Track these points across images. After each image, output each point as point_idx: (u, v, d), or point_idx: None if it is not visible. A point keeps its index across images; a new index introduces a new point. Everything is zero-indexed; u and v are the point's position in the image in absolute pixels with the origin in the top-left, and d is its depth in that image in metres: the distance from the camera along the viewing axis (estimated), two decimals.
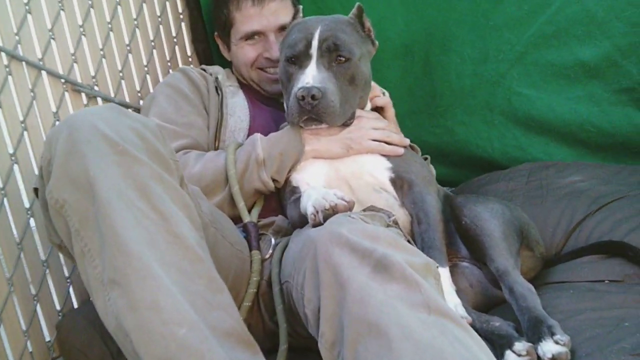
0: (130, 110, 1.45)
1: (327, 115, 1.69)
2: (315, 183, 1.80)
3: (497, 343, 1.43)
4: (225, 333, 1.22)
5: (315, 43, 1.74)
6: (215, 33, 2.29)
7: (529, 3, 2.33)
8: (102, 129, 1.29)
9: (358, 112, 1.86)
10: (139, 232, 1.22)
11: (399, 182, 1.78)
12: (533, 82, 2.40)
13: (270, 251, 1.69)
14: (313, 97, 1.66)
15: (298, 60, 1.76)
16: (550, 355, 1.34)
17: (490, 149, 2.50)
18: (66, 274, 1.87)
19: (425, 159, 2.10)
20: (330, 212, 1.42)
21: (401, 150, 1.84)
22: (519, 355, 1.38)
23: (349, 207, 1.45)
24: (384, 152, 1.82)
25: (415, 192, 1.75)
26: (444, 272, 1.59)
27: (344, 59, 1.75)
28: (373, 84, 1.95)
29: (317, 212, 1.44)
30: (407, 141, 1.92)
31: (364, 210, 1.54)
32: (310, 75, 1.70)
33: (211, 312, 1.23)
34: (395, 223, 1.52)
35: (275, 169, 1.79)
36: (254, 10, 2.11)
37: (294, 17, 1.94)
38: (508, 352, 1.38)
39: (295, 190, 1.80)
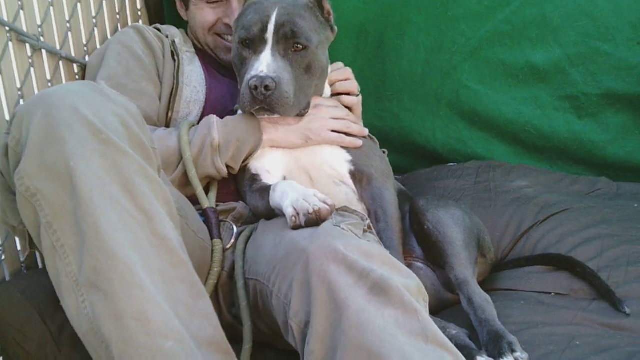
0: (110, 91, 1.32)
1: (281, 106, 1.63)
2: (275, 172, 1.76)
3: None
4: (207, 342, 1.18)
5: (271, 27, 1.65)
6: None
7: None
8: (84, 113, 1.18)
9: (317, 100, 1.82)
10: (123, 234, 1.14)
11: (358, 175, 1.77)
12: (482, 78, 2.45)
13: (233, 240, 1.64)
14: (266, 88, 1.59)
15: (252, 44, 1.67)
16: None
17: (433, 139, 2.55)
18: None
19: (383, 152, 2.09)
20: (313, 217, 1.38)
21: (360, 142, 1.82)
22: None
23: (331, 212, 1.42)
24: (343, 144, 1.79)
25: (374, 187, 1.74)
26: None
27: (301, 46, 1.67)
28: (351, 80, 1.91)
29: (298, 214, 1.40)
30: (366, 131, 1.89)
31: (338, 210, 1.51)
32: (265, 63, 1.62)
33: (193, 320, 1.18)
34: (370, 227, 1.51)
35: (231, 155, 1.71)
36: None
37: None
38: None
39: (255, 178, 1.75)
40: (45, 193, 1.15)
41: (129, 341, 1.09)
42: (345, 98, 1.91)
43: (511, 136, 2.46)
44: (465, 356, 1.41)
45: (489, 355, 1.45)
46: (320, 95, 1.85)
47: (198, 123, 1.85)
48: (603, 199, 2.10)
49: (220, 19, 2.02)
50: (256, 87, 1.58)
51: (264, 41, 1.66)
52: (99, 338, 1.12)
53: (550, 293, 1.71)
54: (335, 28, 1.83)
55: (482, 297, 1.59)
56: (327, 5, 1.79)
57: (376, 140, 2.03)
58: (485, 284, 1.81)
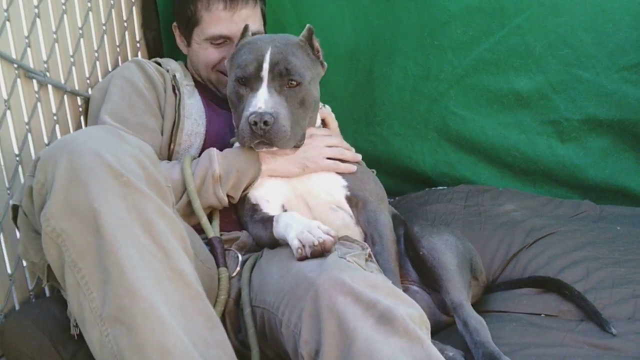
0: (124, 132, 1.39)
1: (279, 139, 1.70)
2: (274, 201, 1.83)
3: None
4: None
5: (266, 66, 1.73)
6: (175, 24, 2.19)
7: (474, 29, 2.46)
8: (106, 158, 1.25)
9: (311, 130, 1.90)
10: (144, 271, 1.21)
11: (354, 200, 1.84)
12: (468, 104, 2.54)
13: (238, 268, 1.70)
14: (265, 123, 1.66)
15: (249, 82, 1.75)
16: None
17: (422, 162, 2.63)
18: (9, 271, 1.77)
19: (372, 171, 2.16)
20: (318, 249, 1.46)
21: (354, 168, 1.90)
22: None
23: (335, 242, 1.49)
24: (338, 170, 1.87)
25: (369, 211, 1.82)
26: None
27: (295, 83, 1.75)
28: None
29: (304, 246, 1.48)
30: (359, 157, 1.98)
31: (340, 239, 1.58)
32: (262, 100, 1.70)
33: (209, 350, 1.25)
34: (370, 256, 1.59)
35: (231, 185, 1.78)
36: (225, 15, 2.05)
37: (243, 35, 1.90)
38: None
39: (255, 208, 1.82)
40: (70, 233, 1.22)
41: None
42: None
43: (497, 159, 2.56)
44: None
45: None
46: (313, 126, 1.93)
47: (199, 154, 1.92)
48: (587, 221, 2.19)
49: (223, 58, 2.08)
50: (255, 123, 1.66)
51: (259, 79, 1.73)
52: None
53: (540, 314, 1.79)
54: (325, 64, 1.92)
55: (476, 320, 1.67)
56: (317, 44, 1.88)
57: (362, 162, 2.11)
58: (478, 305, 1.89)
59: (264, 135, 1.68)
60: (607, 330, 1.65)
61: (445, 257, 1.78)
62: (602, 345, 1.62)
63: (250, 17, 2.07)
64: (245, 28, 1.91)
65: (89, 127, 1.56)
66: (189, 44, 2.15)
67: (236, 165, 1.78)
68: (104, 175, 1.24)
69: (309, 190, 1.85)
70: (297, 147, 1.82)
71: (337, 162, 1.87)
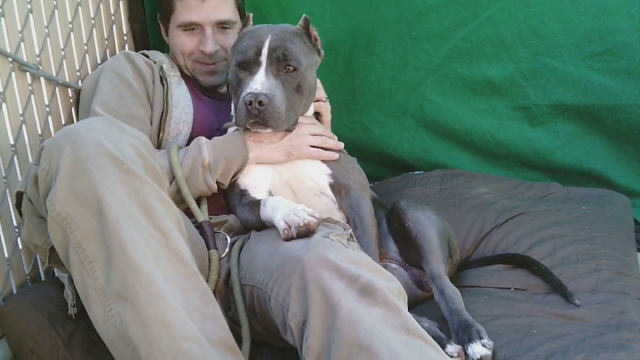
0: (121, 123, 1.49)
1: (273, 120, 1.80)
2: (261, 186, 1.93)
3: None
4: (218, 342, 1.36)
5: (265, 51, 1.84)
6: (159, 15, 2.29)
7: (449, 20, 2.57)
8: (107, 146, 1.35)
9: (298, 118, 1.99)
10: (145, 250, 1.31)
11: (337, 187, 1.94)
12: (444, 91, 2.66)
13: (227, 249, 1.80)
14: (260, 103, 1.76)
15: (248, 66, 1.85)
16: (479, 356, 1.58)
17: (400, 148, 2.75)
18: (6, 255, 1.86)
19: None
20: (303, 229, 1.56)
21: (337, 155, 2.00)
22: (451, 357, 1.62)
23: (319, 224, 1.60)
24: (322, 158, 1.97)
25: (352, 197, 1.92)
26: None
27: (292, 68, 1.86)
28: (319, 87, 2.09)
29: (290, 227, 1.58)
30: (342, 145, 2.08)
31: (323, 221, 1.69)
32: (259, 82, 1.80)
33: (205, 323, 1.35)
34: (351, 236, 1.70)
35: (220, 173, 1.88)
36: (195, 2, 2.14)
37: (245, 24, 2.00)
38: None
39: (244, 193, 1.92)
40: (74, 217, 1.32)
41: (154, 344, 1.26)
42: (315, 104, 2.09)
43: (471, 144, 2.68)
44: None
45: (458, 341, 1.64)
46: (304, 114, 2.03)
47: (188, 142, 2.02)
48: (555, 202, 2.32)
49: (197, 47, 2.18)
50: (251, 102, 1.76)
51: (258, 63, 1.83)
52: (126, 342, 1.29)
53: (510, 288, 1.91)
54: (322, 52, 2.03)
55: (452, 290, 1.79)
56: (314, 32, 1.99)
57: (344, 151, 2.21)
58: (453, 281, 1.99)
59: (258, 115, 1.77)
60: (571, 302, 1.78)
61: (429, 231, 1.89)
62: (567, 315, 1.74)
63: (221, 7, 2.16)
64: (247, 18, 2.00)
65: (89, 118, 1.65)
66: (167, 34, 2.25)
67: (224, 153, 1.88)
68: (106, 163, 1.34)
69: (295, 176, 1.95)
70: (289, 131, 1.92)
71: (321, 150, 1.97)
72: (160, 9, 2.26)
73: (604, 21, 2.41)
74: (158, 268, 1.32)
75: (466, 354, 1.61)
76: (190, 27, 2.16)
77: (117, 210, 1.31)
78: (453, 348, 1.62)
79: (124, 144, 1.39)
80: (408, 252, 1.94)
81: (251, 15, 2.02)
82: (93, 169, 1.32)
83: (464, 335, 1.65)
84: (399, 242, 1.97)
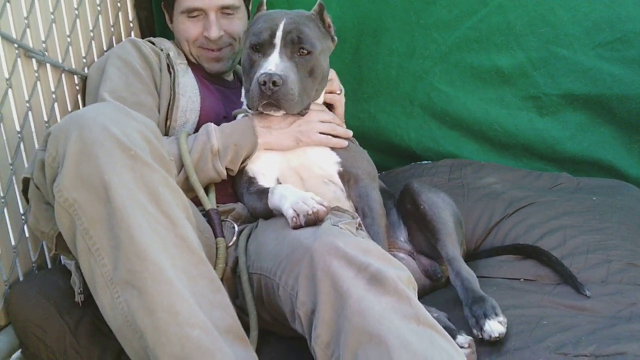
0: (129, 109, 1.47)
1: (286, 102, 1.79)
2: (269, 174, 1.92)
3: None
4: (226, 330, 1.35)
5: (279, 33, 1.83)
6: (162, 2, 2.27)
7: (458, 8, 2.54)
8: (114, 132, 1.33)
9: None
10: (152, 237, 1.30)
11: (346, 175, 1.93)
12: (452, 80, 2.63)
13: (235, 238, 1.79)
14: (274, 84, 1.75)
15: (262, 48, 1.84)
16: (496, 334, 1.58)
17: (407, 137, 2.73)
18: (12, 242, 1.84)
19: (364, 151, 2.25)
20: (312, 217, 1.55)
21: (345, 143, 1.99)
22: (462, 347, 1.60)
23: (327, 212, 1.58)
24: (330, 144, 1.96)
25: (361, 187, 1.91)
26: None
27: (305, 51, 1.85)
28: (334, 78, 2.07)
29: (298, 215, 1.57)
30: (350, 133, 2.06)
31: (332, 209, 1.68)
32: (273, 63, 1.79)
33: (213, 311, 1.34)
34: (360, 225, 1.68)
35: (230, 159, 1.87)
36: None
37: (259, 8, 1.99)
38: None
39: (252, 180, 1.90)
40: (82, 203, 1.30)
41: (161, 331, 1.25)
42: (327, 95, 2.08)
43: (479, 134, 2.65)
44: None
45: (472, 315, 1.64)
46: (317, 100, 2.01)
47: (195, 129, 2.00)
48: (564, 192, 2.30)
49: (201, 32, 2.17)
50: (264, 83, 1.75)
51: (272, 45, 1.83)
52: (133, 329, 1.28)
53: (519, 279, 1.90)
54: (336, 39, 2.02)
55: (468, 272, 1.79)
56: (328, 19, 1.99)
57: (355, 141, 2.20)
58: None
59: (271, 95, 1.77)
60: (581, 293, 1.76)
61: (444, 214, 1.90)
62: (577, 306, 1.73)
63: None
64: (261, 3, 1.99)
65: (97, 104, 1.63)
66: (172, 21, 2.24)
67: (233, 139, 1.86)
68: (113, 148, 1.32)
69: (303, 163, 1.93)
70: (301, 115, 1.91)
71: (330, 136, 1.96)
72: None
73: (615, 10, 2.38)
74: (166, 255, 1.30)
75: (482, 330, 1.60)
76: (194, 13, 2.15)
77: (124, 197, 1.30)
78: (464, 339, 1.60)
79: (132, 130, 1.37)
80: (420, 235, 1.93)
81: (264, 0, 2.00)
82: (100, 155, 1.31)
83: (478, 309, 1.64)
84: (410, 225, 1.97)
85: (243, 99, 2.04)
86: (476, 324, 1.61)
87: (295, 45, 1.84)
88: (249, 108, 1.90)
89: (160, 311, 1.26)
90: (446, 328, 1.62)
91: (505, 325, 1.60)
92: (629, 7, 2.37)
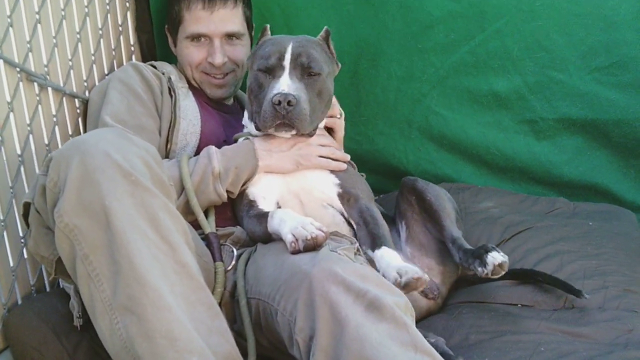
0: (124, 131, 1.49)
1: (300, 121, 1.81)
2: (269, 197, 1.93)
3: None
4: (224, 357, 1.36)
5: (288, 56, 1.86)
6: (166, 26, 2.30)
7: (456, 33, 2.56)
8: (115, 158, 1.35)
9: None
10: (152, 263, 1.31)
11: (345, 196, 1.95)
12: (450, 104, 2.65)
13: (233, 262, 1.80)
14: (289, 103, 1.77)
15: (271, 70, 1.87)
16: (498, 261, 1.75)
17: (406, 160, 2.75)
18: (11, 265, 1.85)
19: (362, 175, 2.27)
20: (311, 243, 1.56)
21: (344, 166, 2.01)
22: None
23: (326, 238, 1.59)
24: (330, 168, 1.97)
25: (361, 204, 1.92)
26: (392, 252, 1.75)
27: (314, 73, 1.88)
28: (334, 102, 2.09)
29: (297, 240, 1.58)
30: (348, 157, 2.08)
31: (330, 234, 1.69)
32: (285, 84, 1.81)
33: (212, 337, 1.35)
34: (358, 250, 1.69)
35: (230, 181, 1.88)
36: (203, 14, 2.16)
37: (263, 33, 2.02)
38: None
39: (252, 204, 1.91)
40: (82, 229, 1.32)
41: (159, 357, 1.26)
42: (328, 119, 2.10)
43: (477, 157, 2.67)
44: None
45: (474, 255, 1.82)
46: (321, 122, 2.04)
47: (196, 153, 2.02)
48: (561, 217, 2.31)
49: (205, 58, 2.19)
50: (279, 102, 1.77)
51: (282, 67, 1.85)
52: (132, 355, 1.29)
53: (517, 304, 1.91)
54: (339, 64, 2.06)
55: (470, 247, 1.88)
56: (332, 45, 2.03)
57: (355, 165, 2.22)
58: (459, 297, 2.01)
59: (286, 115, 1.78)
60: (581, 297, 1.81)
61: (447, 204, 2.03)
62: (575, 332, 1.73)
63: (229, 18, 2.18)
64: (265, 28, 2.01)
65: (98, 129, 1.65)
66: (175, 45, 2.26)
67: (235, 162, 1.88)
68: (114, 174, 1.34)
69: (303, 187, 1.95)
70: (310, 136, 1.94)
71: (329, 160, 1.98)
72: (168, 20, 2.28)
73: (610, 35, 2.41)
74: (165, 281, 1.31)
75: (485, 264, 1.77)
76: (199, 38, 2.17)
77: (124, 223, 1.31)
78: None
79: (133, 156, 1.39)
80: (431, 220, 2.00)
81: (268, 25, 2.03)
82: (101, 181, 1.32)
83: (480, 249, 1.81)
84: (413, 220, 2.03)
85: (245, 122, 2.06)
86: (480, 262, 1.78)
87: (305, 67, 1.86)
88: (259, 130, 1.91)
89: (159, 337, 1.26)
90: (444, 354, 1.63)
91: (506, 258, 1.77)
92: (624, 32, 2.40)
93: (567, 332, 1.74)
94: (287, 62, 1.85)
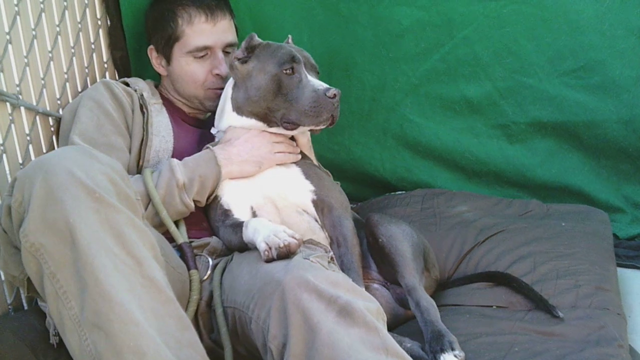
0: (95, 151, 1.50)
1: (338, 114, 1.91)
2: (244, 205, 1.95)
3: None
4: None
5: (301, 58, 1.95)
6: (151, 46, 2.27)
7: (426, 42, 2.60)
8: (78, 176, 1.36)
9: (261, 127, 2.01)
10: (118, 279, 1.32)
11: (320, 204, 1.96)
12: (423, 111, 2.70)
13: (209, 272, 1.81)
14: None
15: (295, 71, 1.93)
16: None
17: (382, 168, 2.78)
18: None
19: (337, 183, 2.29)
20: (284, 250, 1.58)
21: (299, 156, 2.04)
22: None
23: (299, 245, 1.62)
24: (289, 161, 2.01)
25: (335, 216, 1.94)
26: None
27: (318, 74, 2.00)
28: None
29: (271, 248, 1.60)
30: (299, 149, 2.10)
31: (305, 242, 1.71)
32: (318, 82, 1.91)
33: (182, 349, 1.36)
34: (332, 259, 1.72)
35: (196, 190, 1.90)
36: (207, 26, 2.17)
37: (253, 39, 2.02)
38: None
39: (227, 213, 1.93)
40: (48, 247, 1.33)
41: None
42: None
43: (452, 163, 2.71)
44: None
45: (431, 351, 1.67)
46: None
47: None
48: (534, 219, 2.35)
49: (209, 72, 2.19)
50: (335, 95, 1.86)
51: (301, 67, 1.94)
52: None
53: (491, 306, 1.93)
54: None
55: (427, 301, 1.82)
56: None
57: (330, 173, 2.23)
58: (435, 300, 2.01)
59: (335, 108, 1.89)
60: (554, 315, 1.80)
61: (402, 245, 1.93)
62: (548, 332, 1.76)
63: (229, 28, 2.22)
64: (251, 36, 2.02)
65: (62, 148, 1.66)
66: (169, 63, 2.23)
67: (198, 171, 1.90)
68: (78, 192, 1.35)
69: (278, 192, 1.97)
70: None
71: (287, 154, 2.01)
72: (158, 39, 2.23)
73: (577, 39, 2.46)
74: (132, 296, 1.32)
75: None
76: (203, 52, 2.17)
77: (89, 239, 1.32)
78: None
79: (96, 173, 1.40)
80: (384, 267, 1.97)
81: (254, 34, 2.04)
82: (65, 199, 1.33)
83: (436, 345, 1.67)
84: (375, 257, 2.00)
85: (215, 130, 2.09)
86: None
87: (314, 69, 1.99)
88: (305, 126, 1.95)
89: (127, 352, 1.27)
90: (418, 358, 1.65)
91: (461, 359, 1.64)
92: (590, 36, 2.45)
93: (541, 331, 1.76)
94: (305, 63, 1.96)
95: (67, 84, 2.24)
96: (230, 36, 2.22)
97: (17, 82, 1.98)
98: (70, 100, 2.20)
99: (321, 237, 1.94)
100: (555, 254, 2.06)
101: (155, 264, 1.42)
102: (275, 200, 1.96)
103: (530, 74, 2.54)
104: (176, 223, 1.90)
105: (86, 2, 2.35)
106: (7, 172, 1.92)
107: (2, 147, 1.90)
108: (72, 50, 2.26)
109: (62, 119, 2.10)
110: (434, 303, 1.83)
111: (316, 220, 1.96)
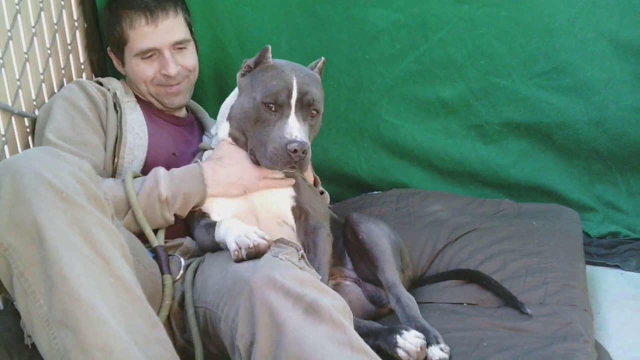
0: (63, 152, 1.51)
1: (305, 165, 1.86)
2: (224, 213, 1.95)
3: (384, 335, 1.69)
4: None
5: (294, 94, 1.84)
6: (108, 48, 2.32)
7: (401, 43, 2.64)
8: (46, 176, 1.38)
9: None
10: (86, 278, 1.34)
11: (297, 211, 1.98)
12: (399, 112, 2.73)
13: (181, 272, 1.83)
14: (304, 152, 1.80)
15: (278, 108, 1.85)
16: (437, 358, 1.65)
17: (359, 168, 2.82)
18: None
19: (322, 192, 2.32)
20: (253, 251, 1.60)
21: (292, 181, 2.01)
22: (417, 337, 1.67)
23: (269, 246, 1.64)
24: (276, 187, 1.98)
25: (310, 225, 1.95)
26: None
27: (315, 113, 1.91)
28: None
29: (240, 248, 1.62)
30: (293, 181, 2.03)
31: (276, 242, 1.73)
32: (296, 129, 1.81)
33: (150, 347, 1.37)
34: (303, 256, 1.74)
35: (179, 207, 1.91)
36: (148, 29, 2.18)
37: (263, 56, 1.94)
38: (405, 334, 1.67)
39: (205, 215, 1.95)
40: (16, 247, 1.34)
41: None
42: None
43: (427, 163, 2.75)
44: (394, 331, 1.68)
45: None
46: None
47: (144, 166, 2.05)
48: (507, 218, 2.39)
49: (157, 71, 2.22)
50: (295, 151, 1.78)
51: (289, 106, 1.85)
52: None
53: (462, 303, 1.97)
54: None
55: (408, 297, 1.85)
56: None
57: (319, 181, 2.27)
58: None
59: (298, 162, 1.81)
60: (523, 312, 1.83)
61: (382, 242, 1.96)
62: (516, 327, 1.79)
63: (174, 27, 2.21)
64: (266, 50, 1.93)
65: (30, 149, 1.68)
66: (123, 64, 2.28)
67: (183, 188, 1.90)
68: (45, 192, 1.36)
69: (262, 203, 1.97)
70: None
71: (274, 179, 1.98)
72: (110, 43, 2.29)
73: (549, 41, 2.51)
74: (100, 294, 1.33)
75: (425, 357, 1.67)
76: (149, 53, 2.19)
77: (56, 239, 1.33)
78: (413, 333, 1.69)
79: (64, 173, 1.41)
80: (362, 264, 1.99)
81: (269, 47, 1.95)
82: (32, 199, 1.34)
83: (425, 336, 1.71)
84: (353, 255, 2.02)
85: (212, 132, 2.10)
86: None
87: (309, 108, 1.88)
88: (264, 165, 1.89)
89: (94, 350, 1.28)
90: (381, 329, 1.70)
91: (448, 352, 1.67)
92: (562, 39, 2.50)
93: (509, 327, 1.80)
94: (294, 101, 1.84)
95: (43, 85, 2.25)
96: (178, 34, 2.21)
97: None
98: (47, 101, 2.21)
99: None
100: (525, 252, 2.11)
101: (124, 263, 1.44)
102: (257, 211, 1.97)
103: (504, 76, 2.58)
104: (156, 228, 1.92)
105: (62, 3, 2.36)
106: None
107: None
108: (49, 52, 2.27)
109: (37, 119, 2.12)
110: (414, 299, 1.86)
111: (293, 230, 1.97)
